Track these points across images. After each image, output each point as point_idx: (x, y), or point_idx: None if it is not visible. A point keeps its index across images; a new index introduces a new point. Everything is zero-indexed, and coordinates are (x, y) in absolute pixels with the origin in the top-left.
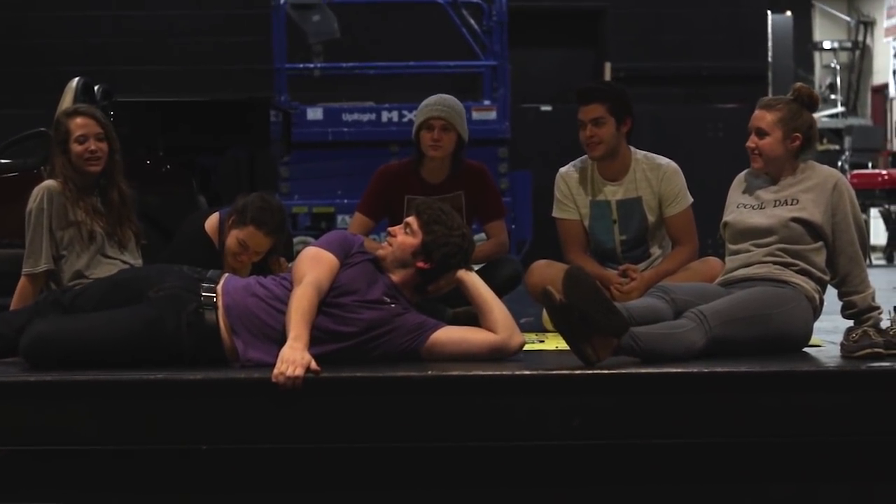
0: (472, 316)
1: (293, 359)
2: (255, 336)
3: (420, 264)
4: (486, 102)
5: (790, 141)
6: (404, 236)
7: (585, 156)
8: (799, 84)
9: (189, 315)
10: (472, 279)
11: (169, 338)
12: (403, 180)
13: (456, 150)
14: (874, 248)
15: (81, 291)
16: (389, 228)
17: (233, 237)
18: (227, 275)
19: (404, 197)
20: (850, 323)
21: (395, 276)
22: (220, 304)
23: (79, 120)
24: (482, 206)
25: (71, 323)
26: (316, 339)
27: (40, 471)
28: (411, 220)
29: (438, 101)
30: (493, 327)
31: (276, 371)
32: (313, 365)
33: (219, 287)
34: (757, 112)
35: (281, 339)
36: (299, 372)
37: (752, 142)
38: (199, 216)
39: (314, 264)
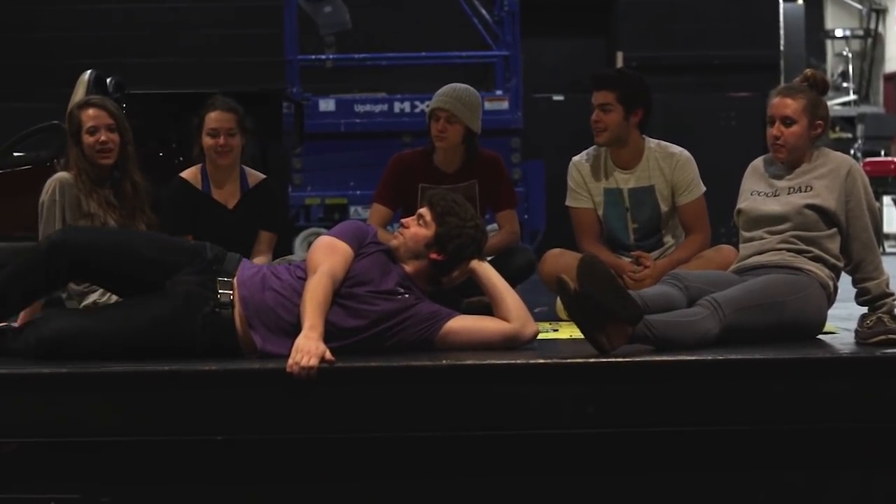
0: (486, 305)
1: (308, 349)
2: (272, 331)
3: (433, 255)
4: (499, 93)
5: (813, 129)
6: (417, 227)
7: None
8: (810, 70)
9: (205, 317)
10: (485, 269)
11: (184, 337)
12: (418, 168)
13: (467, 141)
14: (888, 236)
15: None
16: (402, 220)
17: (203, 139)
18: (243, 261)
19: (418, 185)
20: (865, 310)
21: (409, 267)
22: (236, 297)
23: (90, 111)
24: (495, 195)
25: (84, 321)
26: (330, 335)
27: (55, 463)
28: (424, 211)
29: (447, 92)
30: (506, 316)
31: (290, 361)
32: (328, 355)
33: (234, 280)
34: (778, 100)
35: (297, 333)
36: (314, 362)
37: (778, 130)
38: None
39: (329, 254)
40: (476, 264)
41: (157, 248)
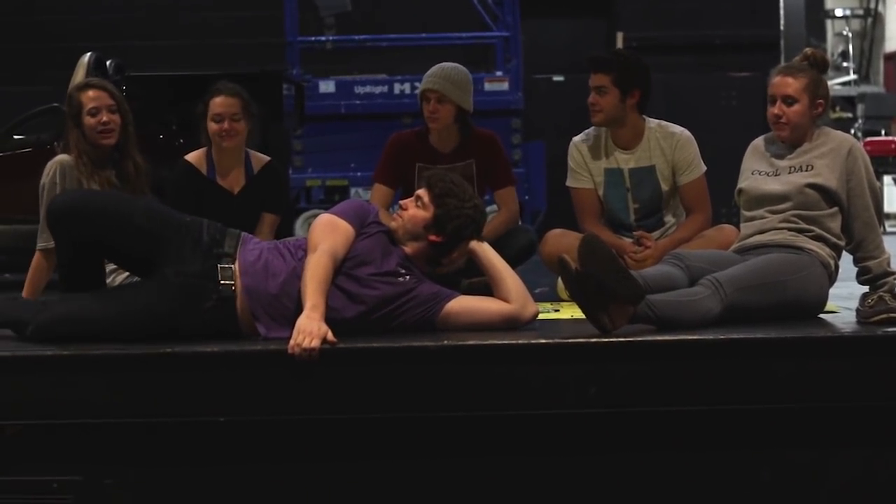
0: (486, 286)
1: (310, 329)
2: (276, 319)
3: (432, 237)
4: (499, 73)
5: (814, 108)
6: (415, 209)
7: None
8: (810, 49)
9: (206, 312)
10: (485, 250)
11: (185, 331)
12: (415, 148)
13: (460, 120)
14: (888, 216)
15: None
16: (400, 202)
17: (209, 124)
18: (243, 240)
19: (416, 165)
20: (866, 289)
21: (409, 248)
22: (238, 287)
23: (91, 93)
24: (493, 174)
25: (83, 311)
26: (333, 322)
27: (57, 445)
28: (422, 192)
29: (436, 73)
30: (506, 297)
31: (292, 342)
32: (330, 336)
33: (236, 266)
34: (779, 79)
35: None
36: (316, 343)
37: (780, 109)
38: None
39: (330, 232)
40: (475, 245)
41: (150, 217)
